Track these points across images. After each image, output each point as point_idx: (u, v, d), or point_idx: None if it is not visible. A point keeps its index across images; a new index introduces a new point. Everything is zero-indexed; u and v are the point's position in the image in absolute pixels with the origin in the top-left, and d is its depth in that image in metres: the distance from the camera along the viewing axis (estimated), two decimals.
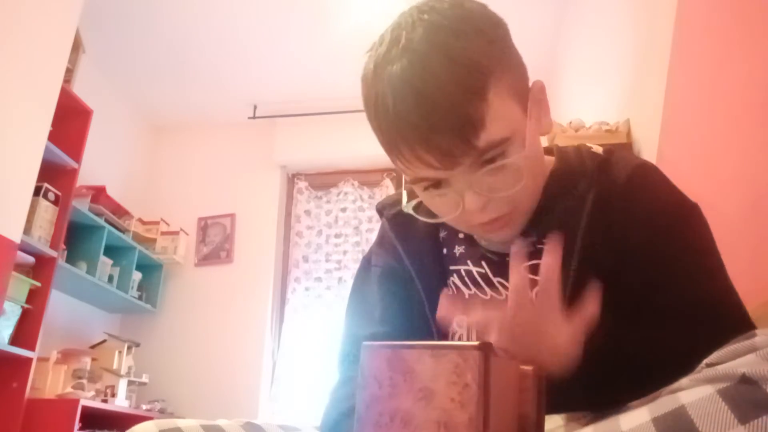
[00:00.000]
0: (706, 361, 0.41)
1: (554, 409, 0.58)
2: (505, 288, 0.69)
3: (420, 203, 0.71)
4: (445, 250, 0.76)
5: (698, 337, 0.53)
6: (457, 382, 0.41)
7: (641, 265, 0.63)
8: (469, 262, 0.72)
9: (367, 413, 0.46)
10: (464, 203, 0.63)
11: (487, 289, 0.70)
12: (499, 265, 0.71)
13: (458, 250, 0.74)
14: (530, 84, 0.69)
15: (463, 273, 0.73)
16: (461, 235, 0.75)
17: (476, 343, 0.42)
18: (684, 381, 0.40)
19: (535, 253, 0.66)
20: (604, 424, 0.43)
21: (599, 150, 0.75)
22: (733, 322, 0.59)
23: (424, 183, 0.65)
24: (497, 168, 0.62)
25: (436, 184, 0.65)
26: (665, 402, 0.39)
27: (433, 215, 0.70)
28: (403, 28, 0.64)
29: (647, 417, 0.38)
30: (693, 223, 0.67)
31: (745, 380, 0.36)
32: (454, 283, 0.73)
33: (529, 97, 0.66)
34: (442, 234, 0.78)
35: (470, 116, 0.59)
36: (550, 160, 0.76)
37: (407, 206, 0.71)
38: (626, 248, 0.64)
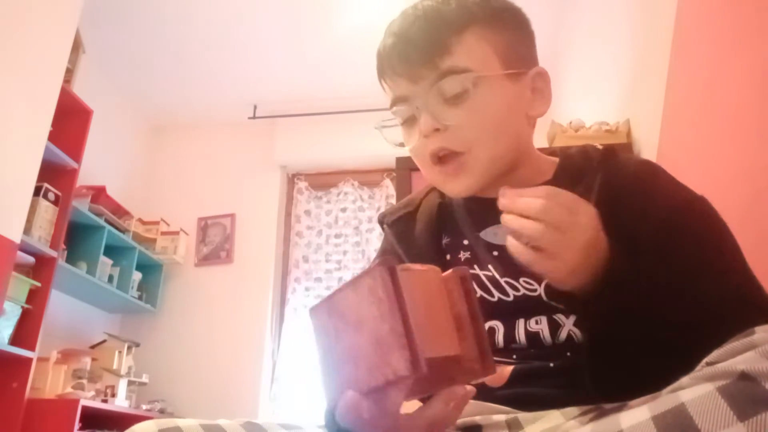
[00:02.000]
0: (706, 359, 0.41)
1: (559, 403, 0.58)
2: (513, 288, 0.68)
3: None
4: (448, 257, 0.76)
5: (725, 327, 0.53)
6: (374, 301, 0.44)
7: (653, 257, 0.62)
8: (476, 266, 0.72)
9: (325, 365, 0.49)
10: (420, 126, 0.70)
11: (494, 291, 0.70)
12: (506, 264, 0.70)
13: (463, 255, 0.74)
14: (534, 67, 0.75)
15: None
16: (465, 242, 0.75)
17: (379, 260, 0.46)
18: (684, 380, 0.40)
19: None
20: (604, 422, 0.43)
21: (599, 146, 0.77)
22: (758, 309, 0.59)
23: (398, 107, 0.73)
24: (456, 99, 0.68)
25: (410, 121, 0.72)
26: (665, 400, 0.39)
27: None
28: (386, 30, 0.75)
29: (647, 415, 0.39)
30: (705, 215, 0.68)
31: (744, 377, 0.36)
32: None
33: (523, 72, 0.73)
34: (445, 240, 0.78)
35: (441, 40, 0.69)
36: (554, 160, 0.78)
37: (378, 124, 0.78)
38: (636, 236, 0.64)
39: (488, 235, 0.72)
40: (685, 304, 0.57)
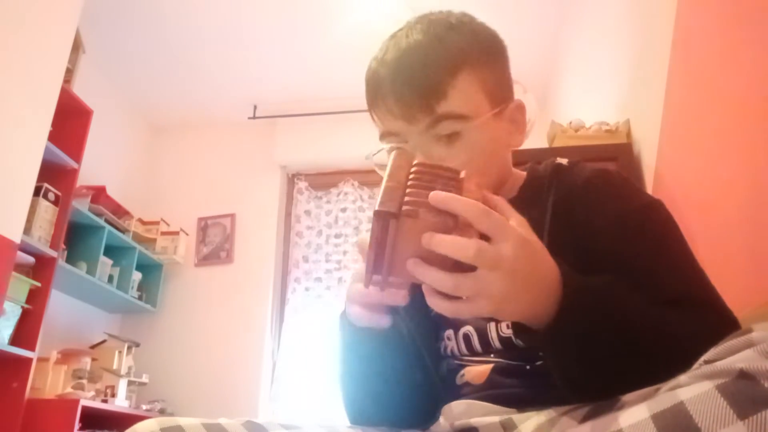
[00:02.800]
0: (703, 357, 0.41)
1: (540, 402, 0.59)
2: None
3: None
4: None
5: (678, 330, 0.55)
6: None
7: (610, 262, 0.64)
8: None
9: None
10: None
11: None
12: None
13: None
14: (513, 99, 0.78)
15: None
16: None
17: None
18: (682, 378, 0.40)
19: None
20: (603, 421, 0.43)
21: (564, 161, 0.79)
22: (709, 307, 0.60)
23: (389, 139, 0.75)
24: (449, 139, 0.71)
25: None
26: (664, 399, 0.39)
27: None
28: (404, 28, 0.77)
29: (646, 414, 0.39)
30: (659, 217, 0.69)
31: (744, 376, 0.36)
32: None
33: (504, 107, 0.76)
34: None
35: (437, 84, 0.70)
36: (523, 175, 0.81)
37: (369, 156, 0.82)
38: (592, 247, 0.66)
39: None
40: (638, 305, 0.58)
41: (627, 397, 0.46)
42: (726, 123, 1.20)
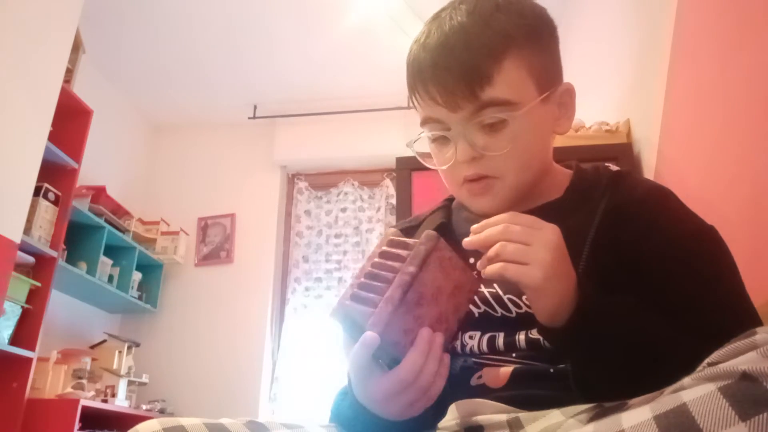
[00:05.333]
0: (707, 360, 0.41)
1: (557, 405, 0.58)
2: (515, 305, 0.70)
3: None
4: None
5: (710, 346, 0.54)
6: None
7: (656, 285, 0.64)
8: (481, 284, 0.73)
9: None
10: (456, 152, 0.70)
11: (498, 307, 0.71)
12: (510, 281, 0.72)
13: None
14: (562, 83, 0.76)
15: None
16: (471, 260, 0.76)
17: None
18: (686, 380, 0.40)
19: None
20: (606, 422, 0.43)
21: (619, 169, 0.78)
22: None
23: (431, 126, 0.73)
24: (493, 127, 0.69)
25: (441, 137, 0.73)
26: (667, 400, 0.39)
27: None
28: (448, 8, 0.73)
29: (649, 415, 0.38)
30: (713, 246, 0.68)
31: (746, 377, 0.36)
32: None
33: (553, 91, 0.73)
34: None
35: (481, 69, 0.67)
36: (569, 174, 0.79)
37: (410, 142, 0.80)
38: (638, 267, 0.65)
39: None
40: (657, 322, 0.59)
41: (632, 399, 0.46)
42: (726, 123, 1.19)
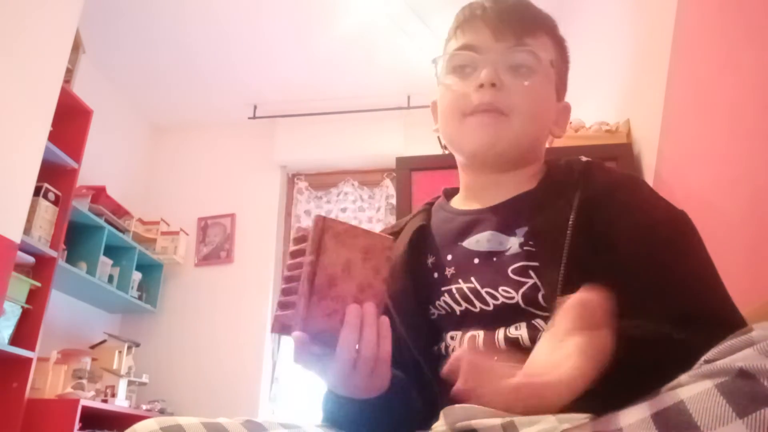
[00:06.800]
0: (704, 357, 0.41)
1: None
2: (492, 297, 0.70)
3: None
4: (436, 275, 0.78)
5: (695, 343, 0.53)
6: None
7: (629, 269, 0.64)
8: (460, 280, 0.74)
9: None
10: (483, 74, 0.75)
11: (476, 302, 0.72)
12: (486, 273, 0.73)
13: (449, 271, 0.77)
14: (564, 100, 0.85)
15: (455, 291, 0.75)
16: (449, 257, 0.78)
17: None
18: (683, 377, 0.40)
19: (521, 255, 0.70)
20: (603, 421, 0.43)
21: (585, 158, 0.81)
22: (729, 325, 0.59)
23: (463, 55, 0.79)
24: (516, 71, 0.76)
25: (467, 67, 0.79)
26: (664, 398, 0.39)
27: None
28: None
29: (647, 413, 0.39)
30: (685, 229, 0.69)
31: (743, 374, 0.36)
32: (445, 302, 0.75)
33: (561, 95, 0.84)
34: (431, 260, 0.80)
35: (532, 24, 0.79)
36: (542, 167, 0.82)
37: (436, 59, 0.85)
38: (612, 251, 0.66)
39: (471, 243, 0.76)
40: (657, 315, 0.58)
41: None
42: (726, 123, 1.19)
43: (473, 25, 0.79)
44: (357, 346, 0.58)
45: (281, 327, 0.61)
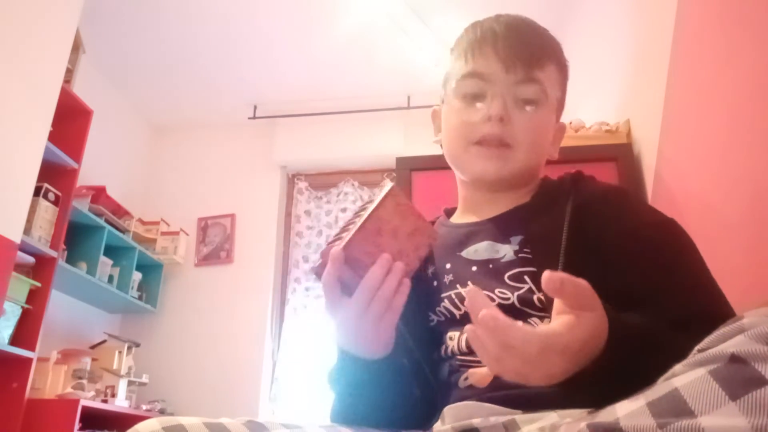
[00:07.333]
0: (698, 347, 0.42)
1: (550, 402, 0.59)
2: (489, 299, 0.70)
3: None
4: (435, 283, 0.81)
5: (692, 340, 0.54)
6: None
7: (622, 276, 0.66)
8: (458, 285, 0.77)
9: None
10: (491, 106, 0.78)
11: None
12: (484, 278, 0.75)
13: (447, 278, 0.80)
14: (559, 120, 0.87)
15: (454, 296, 0.77)
16: (448, 265, 0.80)
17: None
18: (677, 367, 0.41)
19: (516, 261, 0.73)
20: (601, 414, 0.44)
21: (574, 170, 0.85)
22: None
23: (472, 82, 0.80)
24: (522, 105, 0.79)
25: (476, 95, 0.80)
26: (659, 388, 0.40)
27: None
28: (487, 19, 0.84)
29: (642, 402, 0.40)
30: (674, 234, 0.72)
31: (735, 359, 0.37)
32: (445, 307, 0.77)
33: (559, 117, 0.86)
34: (431, 270, 0.83)
35: (542, 56, 0.80)
36: (536, 183, 0.86)
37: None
38: (604, 259, 0.68)
39: (469, 253, 0.80)
40: (654, 319, 0.59)
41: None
42: (726, 123, 1.20)
43: (484, 52, 0.80)
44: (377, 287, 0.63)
45: (322, 254, 0.67)
